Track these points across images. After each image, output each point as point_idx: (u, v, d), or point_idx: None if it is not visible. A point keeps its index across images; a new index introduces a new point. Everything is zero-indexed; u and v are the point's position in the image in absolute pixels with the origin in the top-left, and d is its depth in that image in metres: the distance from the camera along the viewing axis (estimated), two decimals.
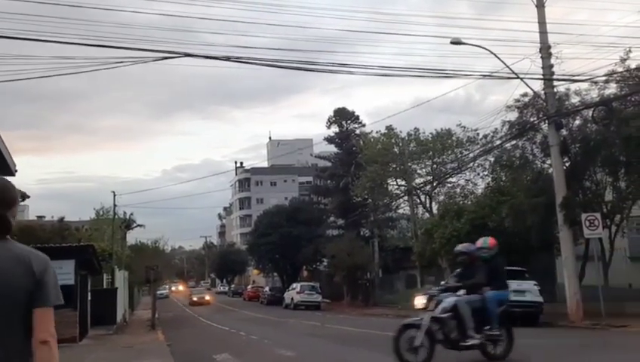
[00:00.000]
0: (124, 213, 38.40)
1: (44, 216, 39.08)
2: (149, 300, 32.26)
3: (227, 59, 13.31)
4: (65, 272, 16.18)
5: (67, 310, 14.98)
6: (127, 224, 38.84)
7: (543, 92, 18.09)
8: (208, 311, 40.32)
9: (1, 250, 2.13)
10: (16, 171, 14.46)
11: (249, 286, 63.25)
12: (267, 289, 52.02)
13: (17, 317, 2.08)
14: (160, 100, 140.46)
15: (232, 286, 76.50)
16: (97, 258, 19.85)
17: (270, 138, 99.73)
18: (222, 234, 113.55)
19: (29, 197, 16.22)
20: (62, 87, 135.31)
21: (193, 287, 78.97)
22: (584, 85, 18.17)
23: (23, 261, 2.14)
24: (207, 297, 50.54)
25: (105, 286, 26.11)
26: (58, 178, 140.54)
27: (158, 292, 46.27)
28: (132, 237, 44.42)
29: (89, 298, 19.99)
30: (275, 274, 56.19)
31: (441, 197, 32.02)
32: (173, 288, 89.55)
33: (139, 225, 41.90)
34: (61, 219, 30.42)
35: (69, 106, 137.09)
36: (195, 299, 49.50)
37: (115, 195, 35.44)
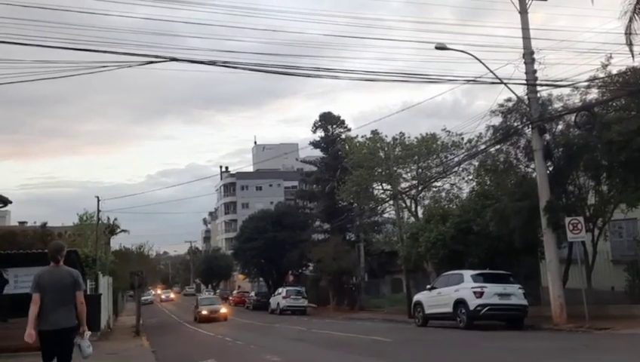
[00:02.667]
0: (108, 218, 37.97)
1: (26, 222, 38.49)
2: (134, 306, 31.92)
3: (213, 63, 13.25)
4: None
5: None
6: (111, 229, 38.39)
7: (526, 97, 18.27)
8: (191, 315, 39.96)
9: (61, 270, 6.21)
10: None
11: (234, 292, 62.93)
12: (253, 294, 51.76)
13: (70, 295, 6.11)
14: (143, 104, 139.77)
15: (218, 291, 76.05)
16: (81, 264, 19.58)
17: (255, 142, 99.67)
18: (207, 239, 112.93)
19: (10, 202, 15.95)
20: (42, 90, 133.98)
21: (194, 295, 59.14)
22: (566, 90, 18.39)
23: (69, 273, 6.21)
24: (224, 310, 34.32)
25: (88, 292, 25.76)
26: (40, 183, 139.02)
27: (143, 298, 45.57)
28: (116, 242, 43.89)
29: None
30: (261, 279, 55.98)
31: (427, 202, 32.17)
32: (163, 296, 78.21)
33: (123, 231, 41.39)
34: (43, 225, 29.99)
35: (49, 110, 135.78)
36: (204, 312, 32.91)
37: (98, 200, 35.06)
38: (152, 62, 12.35)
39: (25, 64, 11.52)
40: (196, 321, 33.08)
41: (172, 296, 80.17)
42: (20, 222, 38.72)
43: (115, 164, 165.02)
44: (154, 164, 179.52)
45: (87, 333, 6.34)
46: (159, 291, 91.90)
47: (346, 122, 47.63)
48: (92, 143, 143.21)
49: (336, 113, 47.96)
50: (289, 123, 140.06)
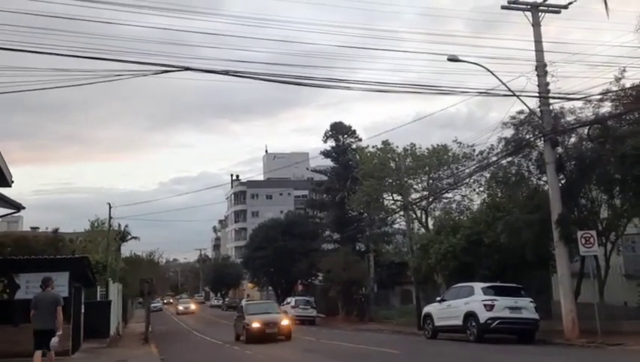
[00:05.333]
0: (119, 224, 38.23)
1: (38, 227, 38.78)
2: (143, 313, 31.96)
3: (226, 73, 13.35)
4: (59, 284, 15.94)
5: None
6: (122, 236, 38.62)
7: (538, 109, 18.21)
8: (201, 324, 40.05)
9: (48, 294, 10.70)
10: (12, 182, 14.43)
11: (243, 300, 62.86)
12: None
13: (53, 310, 10.39)
14: (158, 112, 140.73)
15: (227, 299, 76.03)
16: (92, 270, 19.70)
17: (266, 151, 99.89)
18: (217, 247, 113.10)
19: (24, 208, 16.07)
20: (59, 97, 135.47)
21: (204, 302, 52.37)
22: (579, 103, 18.31)
23: (53, 295, 10.76)
24: (285, 321, 22.43)
25: (98, 299, 25.91)
26: (54, 189, 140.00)
27: (152, 305, 45.48)
28: (127, 249, 44.14)
29: (82, 310, 19.83)
30: (270, 288, 55.93)
31: (437, 213, 32.05)
32: (180, 306, 61.71)
33: (133, 238, 41.63)
34: (55, 231, 30.18)
35: (65, 117, 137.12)
36: (256, 325, 21.34)
37: (110, 207, 35.33)
38: (166, 71, 12.47)
39: (43, 72, 11.69)
40: (241, 340, 21.88)
41: (193, 306, 61.74)
42: (32, 228, 39.01)
43: (129, 171, 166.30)
44: (167, 172, 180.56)
45: (59, 333, 10.58)
46: (172, 300, 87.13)
47: (358, 132, 47.69)
48: (107, 150, 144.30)
49: (348, 123, 48.10)
50: (301, 132, 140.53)
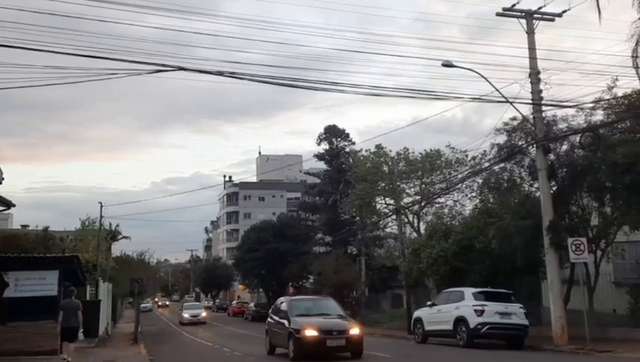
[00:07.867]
0: (110, 224, 38.00)
1: (28, 225, 38.49)
2: (132, 313, 31.77)
3: (220, 74, 13.32)
4: (48, 283, 15.89)
5: (48, 321, 14.74)
6: (113, 235, 38.38)
7: (531, 116, 18.31)
8: (192, 326, 39.83)
9: (72, 301, 14.60)
10: (2, 179, 14.34)
11: (234, 302, 62.69)
12: (252, 305, 51.55)
13: (77, 312, 14.31)
14: (151, 112, 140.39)
15: (217, 301, 75.80)
16: (82, 269, 19.57)
17: (260, 153, 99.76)
18: (208, 248, 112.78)
19: (14, 205, 15.96)
20: (51, 95, 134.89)
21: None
22: (571, 111, 18.43)
23: (76, 302, 14.65)
24: (356, 329, 14.56)
25: (88, 298, 25.71)
26: (45, 187, 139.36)
27: (142, 305, 45.12)
28: (117, 248, 43.83)
29: None
30: (261, 289, 55.82)
31: (429, 217, 32.09)
32: (185, 314, 43.60)
33: (124, 237, 41.35)
34: (45, 229, 29.98)
35: (58, 115, 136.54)
36: (311, 333, 13.94)
37: (101, 206, 35.14)
38: (160, 70, 12.42)
39: (35, 69, 11.63)
40: (278, 354, 15.88)
41: (204, 314, 44.99)
42: (22, 226, 38.73)
43: (121, 171, 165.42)
44: (159, 172, 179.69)
45: (82, 329, 15.07)
46: (168, 302, 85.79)
47: (351, 136, 47.92)
48: (99, 149, 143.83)
49: (342, 126, 48.30)
50: (295, 135, 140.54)
